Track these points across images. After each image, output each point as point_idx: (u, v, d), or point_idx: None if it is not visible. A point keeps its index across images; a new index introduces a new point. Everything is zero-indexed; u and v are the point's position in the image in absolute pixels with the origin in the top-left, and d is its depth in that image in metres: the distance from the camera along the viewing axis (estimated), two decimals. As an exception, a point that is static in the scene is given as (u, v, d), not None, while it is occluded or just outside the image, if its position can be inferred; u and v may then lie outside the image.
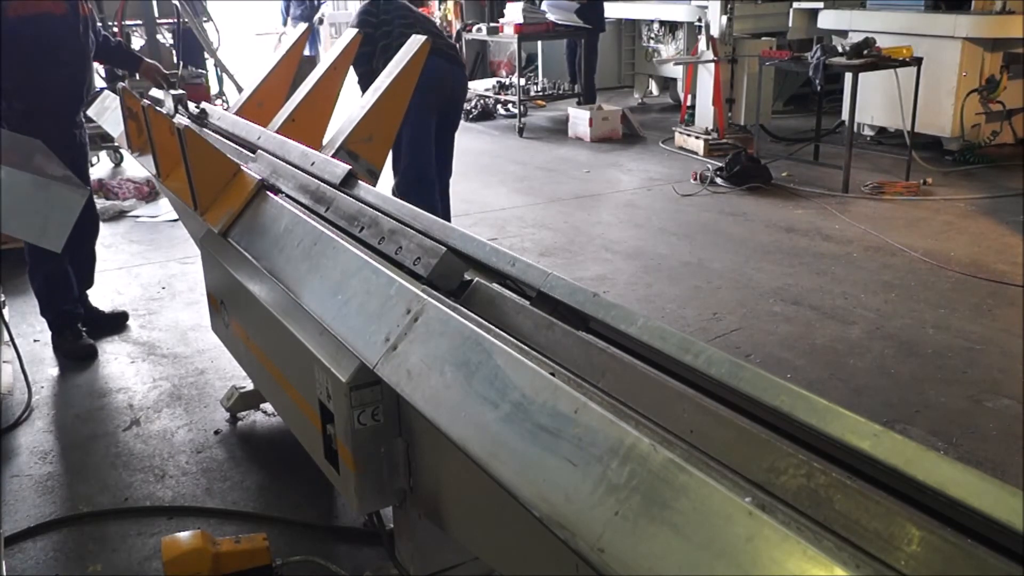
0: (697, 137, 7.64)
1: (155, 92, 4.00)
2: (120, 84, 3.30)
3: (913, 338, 3.90)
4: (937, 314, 4.14)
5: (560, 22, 8.91)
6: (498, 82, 9.87)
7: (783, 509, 1.01)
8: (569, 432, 1.22)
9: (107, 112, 3.91)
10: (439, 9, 10.52)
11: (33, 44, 3.59)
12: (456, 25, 10.12)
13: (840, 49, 6.41)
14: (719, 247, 5.21)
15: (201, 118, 3.33)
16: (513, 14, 8.83)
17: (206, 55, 7.40)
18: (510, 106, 9.41)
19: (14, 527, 2.73)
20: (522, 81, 9.20)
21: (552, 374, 1.33)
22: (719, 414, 1.24)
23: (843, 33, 7.23)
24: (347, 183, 2.31)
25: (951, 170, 6.72)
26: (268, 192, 2.42)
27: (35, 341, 4.10)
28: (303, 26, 3.78)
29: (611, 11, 9.57)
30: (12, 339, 3.71)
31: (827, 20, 7.52)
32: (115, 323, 4.27)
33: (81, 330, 4.03)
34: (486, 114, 9.74)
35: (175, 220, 5.71)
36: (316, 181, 2.37)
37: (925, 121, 6.68)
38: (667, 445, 1.13)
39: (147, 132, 2.92)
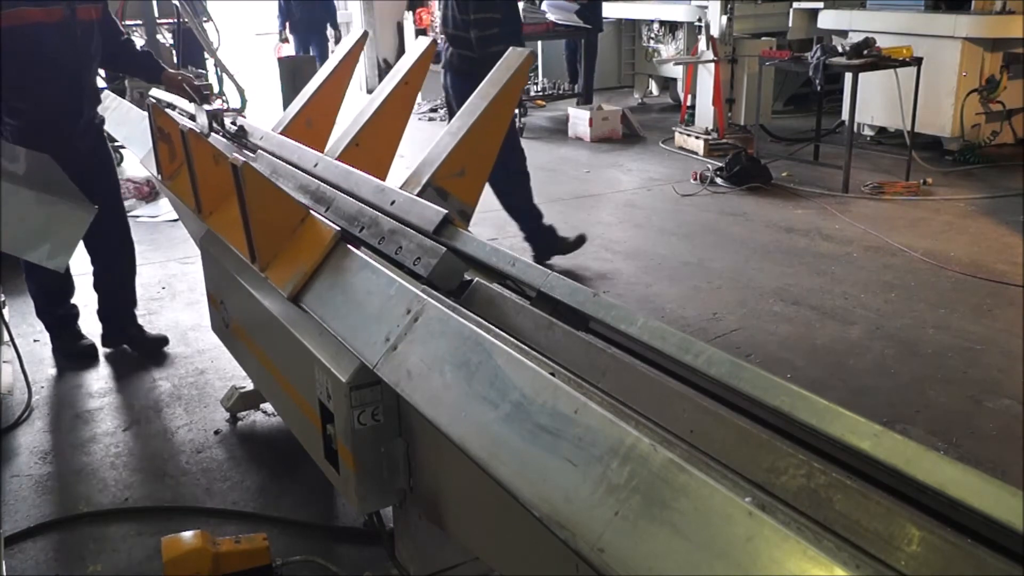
0: (697, 137, 7.63)
1: (156, 92, 3.83)
2: (149, 99, 3.02)
3: (913, 338, 3.89)
4: (937, 314, 4.14)
5: (560, 22, 8.91)
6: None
7: (783, 509, 1.01)
8: (569, 432, 1.22)
9: (107, 112, 3.88)
10: (439, 9, 10.49)
11: (25, 55, 3.40)
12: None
13: (840, 49, 6.41)
14: (719, 247, 5.21)
15: (240, 137, 2.95)
16: (513, 14, 8.82)
17: (206, 55, 7.39)
18: (510, 106, 9.40)
19: (14, 527, 2.73)
20: (522, 81, 9.19)
21: (552, 374, 1.33)
22: (719, 414, 1.24)
23: (843, 33, 7.23)
24: (442, 231, 1.88)
25: (951, 170, 6.72)
26: (349, 246, 2.01)
27: (35, 341, 4.09)
28: (357, 34, 3.32)
29: (611, 11, 9.56)
30: (12, 339, 3.71)
31: (827, 20, 7.52)
32: (156, 347, 4.01)
33: (80, 330, 4.02)
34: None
35: (175, 220, 5.71)
36: (316, 181, 2.36)
37: (925, 121, 6.68)
38: (667, 445, 1.13)
39: (187, 162, 2.52)
